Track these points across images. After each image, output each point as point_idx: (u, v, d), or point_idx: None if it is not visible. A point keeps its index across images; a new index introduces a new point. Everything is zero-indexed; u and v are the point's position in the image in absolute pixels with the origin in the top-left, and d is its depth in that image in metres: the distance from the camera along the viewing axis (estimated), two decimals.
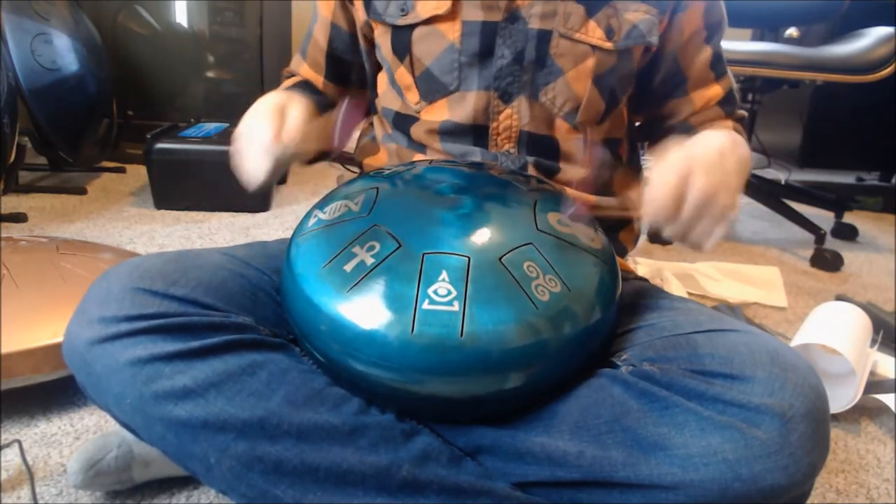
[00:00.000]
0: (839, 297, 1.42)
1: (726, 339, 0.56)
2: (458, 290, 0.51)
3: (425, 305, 0.50)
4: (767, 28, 2.41)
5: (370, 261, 0.53)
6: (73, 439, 0.82)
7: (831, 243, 1.86)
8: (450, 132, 0.73)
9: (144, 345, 0.53)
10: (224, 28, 2.24)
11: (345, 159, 2.00)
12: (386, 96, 0.79)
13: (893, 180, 2.72)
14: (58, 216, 1.67)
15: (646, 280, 0.77)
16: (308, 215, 0.61)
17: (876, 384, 1.02)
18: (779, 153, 2.73)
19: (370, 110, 0.84)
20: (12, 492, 0.72)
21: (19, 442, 0.78)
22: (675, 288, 1.38)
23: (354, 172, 0.89)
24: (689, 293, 1.42)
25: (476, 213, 0.57)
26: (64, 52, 1.78)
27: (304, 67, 0.86)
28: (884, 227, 2.23)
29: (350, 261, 0.53)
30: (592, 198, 0.74)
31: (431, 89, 0.73)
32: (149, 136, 1.77)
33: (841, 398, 0.96)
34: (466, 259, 0.53)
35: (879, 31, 1.74)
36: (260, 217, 1.79)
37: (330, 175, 2.24)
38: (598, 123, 0.74)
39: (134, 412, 0.54)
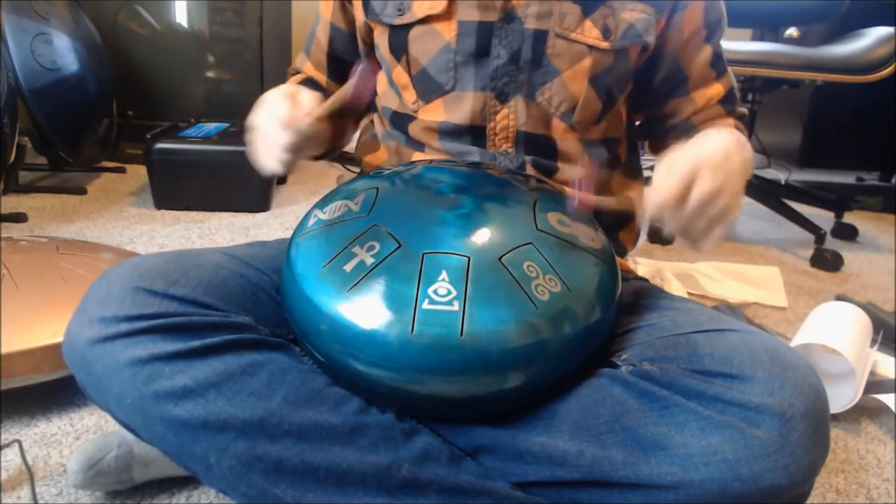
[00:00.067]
0: (839, 297, 1.42)
1: (726, 338, 0.56)
2: (457, 289, 0.51)
3: (425, 305, 0.50)
4: (767, 28, 2.41)
5: (370, 261, 0.53)
6: (73, 439, 0.82)
7: (831, 243, 1.86)
8: (448, 132, 0.73)
9: (144, 344, 0.53)
10: (224, 28, 2.24)
11: (345, 159, 2.01)
12: (385, 95, 0.79)
13: (893, 180, 2.72)
14: (58, 216, 1.67)
15: (646, 280, 0.77)
16: (308, 215, 0.61)
17: (876, 384, 1.02)
18: (779, 153, 2.73)
19: (371, 108, 0.85)
20: (12, 492, 0.72)
21: (19, 442, 0.78)
22: (675, 288, 1.38)
23: (354, 172, 0.89)
24: (689, 293, 1.42)
25: (476, 212, 0.57)
26: (64, 52, 1.78)
27: (308, 66, 0.87)
28: (884, 227, 2.23)
29: (350, 261, 0.53)
30: (591, 197, 0.74)
31: (428, 89, 0.73)
32: (149, 136, 1.77)
33: (841, 398, 0.96)
34: (466, 259, 0.53)
35: (879, 31, 1.74)
36: (260, 217, 1.79)
37: (330, 175, 2.24)
38: (596, 123, 0.74)
39: (134, 412, 0.54)
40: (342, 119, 0.82)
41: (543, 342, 0.52)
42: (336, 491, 0.51)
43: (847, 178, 2.77)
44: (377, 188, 0.61)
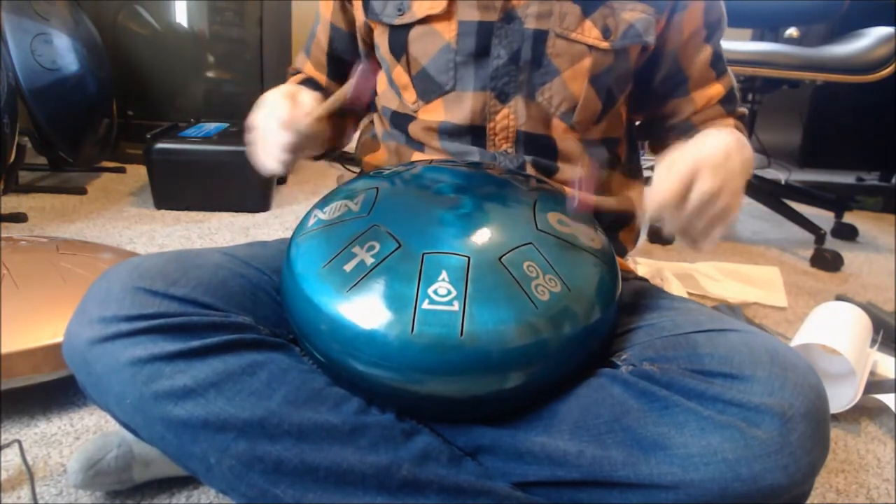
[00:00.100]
0: (839, 297, 1.42)
1: (726, 338, 0.56)
2: (457, 289, 0.51)
3: (425, 305, 0.50)
4: (767, 28, 2.41)
5: (370, 261, 0.53)
6: (73, 439, 0.82)
7: (831, 243, 1.86)
8: (448, 132, 0.73)
9: (144, 344, 0.53)
10: (224, 28, 2.24)
11: (345, 159, 2.01)
12: (385, 95, 0.79)
13: (893, 180, 2.72)
14: (58, 216, 1.67)
15: (646, 280, 0.77)
16: (308, 215, 0.61)
17: (876, 384, 1.02)
18: (779, 153, 2.73)
19: (371, 108, 0.85)
20: (12, 492, 0.72)
21: (19, 442, 0.78)
22: (675, 288, 1.38)
23: (354, 172, 0.89)
24: (689, 293, 1.42)
25: (476, 212, 0.57)
26: (64, 52, 1.78)
27: (308, 66, 0.87)
28: (884, 227, 2.23)
29: (350, 261, 0.53)
30: (591, 197, 0.74)
31: (428, 89, 0.73)
32: (149, 136, 1.77)
33: (841, 398, 0.96)
34: (466, 259, 0.53)
35: (879, 31, 1.74)
36: (260, 217, 1.79)
37: (330, 175, 2.24)
38: (596, 123, 0.74)
39: (134, 412, 0.54)
40: (342, 119, 0.82)
41: (543, 342, 0.52)
42: (336, 491, 0.51)
43: (847, 178, 2.77)
44: (377, 188, 0.61)
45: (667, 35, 0.74)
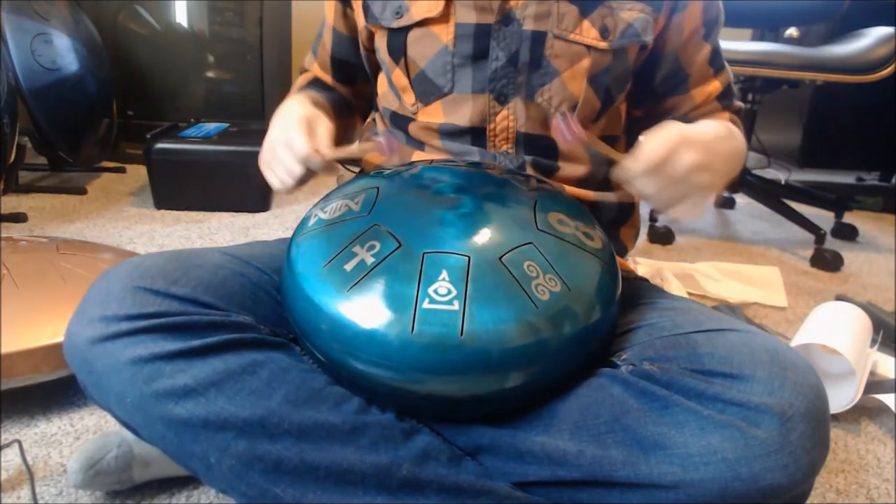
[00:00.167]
0: (839, 297, 1.42)
1: (726, 338, 0.56)
2: (458, 289, 0.51)
3: (425, 305, 0.50)
4: (767, 28, 2.41)
5: (370, 260, 0.53)
6: (73, 439, 0.82)
7: (831, 243, 1.86)
8: (448, 133, 0.73)
9: (145, 344, 0.53)
10: (224, 28, 2.24)
11: (345, 159, 2.00)
12: (385, 97, 0.79)
13: (893, 180, 2.72)
14: (58, 216, 1.67)
15: (646, 280, 0.78)
16: (308, 215, 0.61)
17: (876, 384, 1.02)
18: (779, 153, 2.73)
19: (372, 106, 0.85)
20: (12, 492, 0.72)
21: (19, 442, 0.78)
22: (675, 288, 1.38)
23: (354, 172, 0.89)
24: (689, 293, 1.42)
25: (476, 212, 0.57)
26: (64, 52, 1.78)
27: (315, 67, 0.88)
28: (884, 227, 2.23)
29: (350, 260, 0.53)
30: (591, 194, 0.74)
31: (426, 91, 0.73)
32: (149, 136, 1.77)
33: (841, 398, 0.96)
34: (466, 258, 0.53)
35: (879, 31, 1.74)
36: (260, 217, 1.79)
37: (330, 175, 2.24)
38: (595, 121, 0.74)
39: (135, 411, 0.54)
40: (349, 118, 0.83)
41: (543, 342, 0.52)
42: (336, 490, 0.51)
43: (847, 178, 2.77)
44: (378, 188, 0.61)
45: (667, 35, 0.74)
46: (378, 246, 0.54)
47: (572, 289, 0.53)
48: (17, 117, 1.59)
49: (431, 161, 0.69)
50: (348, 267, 0.53)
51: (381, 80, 0.80)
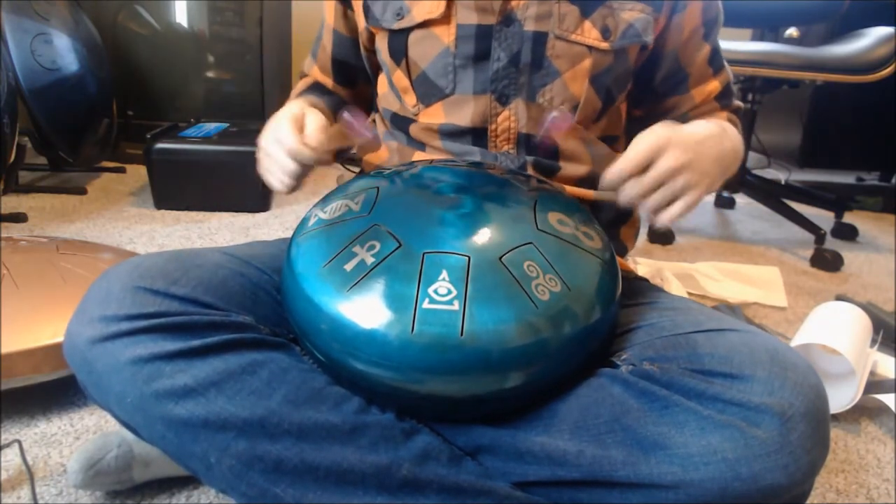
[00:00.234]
0: (839, 297, 1.42)
1: (726, 338, 0.56)
2: (458, 289, 0.51)
3: (425, 305, 0.50)
4: (767, 28, 2.41)
5: (370, 260, 0.53)
6: (73, 439, 0.82)
7: (831, 243, 1.86)
8: (448, 133, 0.73)
9: (145, 344, 0.53)
10: (224, 28, 2.24)
11: (345, 159, 2.01)
12: (385, 98, 0.79)
13: (893, 180, 2.72)
14: (58, 216, 1.67)
15: (646, 280, 0.78)
16: (308, 215, 0.61)
17: (876, 384, 1.02)
18: (779, 153, 2.73)
19: (372, 108, 0.85)
20: (12, 492, 0.72)
21: (19, 442, 0.78)
22: (675, 288, 1.38)
23: (354, 172, 0.89)
24: (689, 293, 1.42)
25: (476, 212, 0.57)
26: (64, 52, 1.78)
27: (315, 70, 0.88)
28: (884, 227, 2.23)
29: (350, 260, 0.53)
30: (591, 194, 0.74)
31: (428, 92, 0.73)
32: (149, 136, 1.77)
33: (841, 398, 0.96)
34: (466, 258, 0.53)
35: (879, 31, 1.74)
36: (260, 217, 1.79)
37: (330, 175, 2.24)
38: (595, 121, 0.74)
39: (135, 411, 0.54)
40: None
41: (543, 342, 0.52)
42: (336, 490, 0.51)
43: (847, 178, 2.77)
44: (378, 188, 0.61)
45: (667, 35, 0.74)
46: (378, 246, 0.54)
47: (572, 289, 0.53)
48: (17, 117, 1.59)
49: (432, 161, 0.69)
50: (348, 267, 0.53)
51: (382, 81, 0.80)
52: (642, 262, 1.54)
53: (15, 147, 1.59)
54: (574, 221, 0.59)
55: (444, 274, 0.52)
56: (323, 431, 0.52)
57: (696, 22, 0.75)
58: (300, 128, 0.65)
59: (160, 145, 1.74)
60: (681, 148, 0.59)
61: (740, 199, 2.31)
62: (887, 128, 2.54)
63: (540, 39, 0.69)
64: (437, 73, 0.71)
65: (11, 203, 1.71)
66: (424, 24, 0.71)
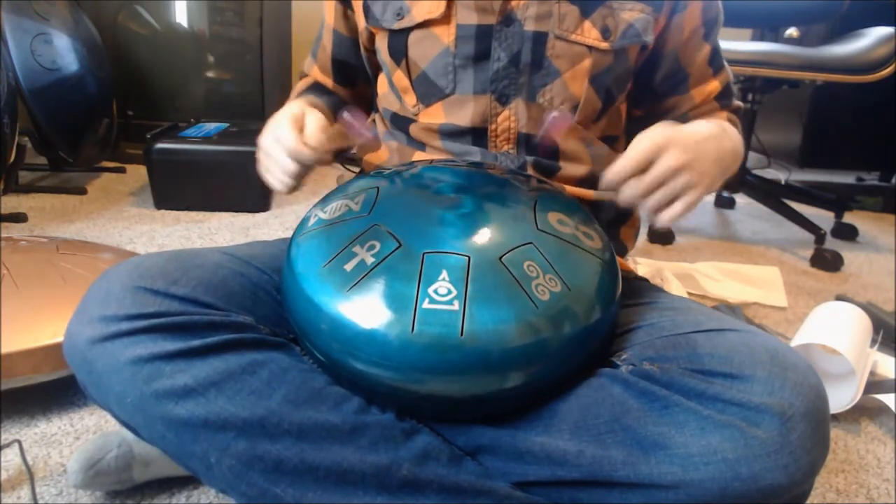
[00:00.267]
0: (839, 297, 1.42)
1: (726, 338, 0.56)
2: (458, 289, 0.51)
3: (425, 305, 0.50)
4: (767, 28, 2.41)
5: (370, 260, 0.53)
6: (73, 439, 0.82)
7: (831, 243, 1.86)
8: (448, 133, 0.73)
9: (145, 344, 0.53)
10: (224, 28, 2.24)
11: (345, 159, 2.01)
12: (385, 98, 0.79)
13: (893, 180, 2.72)
14: (58, 216, 1.67)
15: (646, 280, 0.78)
16: (308, 215, 0.61)
17: (876, 384, 1.02)
18: (779, 153, 2.73)
19: (372, 108, 0.85)
20: (12, 492, 0.72)
21: (19, 442, 0.78)
22: (675, 288, 1.38)
23: (354, 172, 0.89)
24: (689, 293, 1.42)
25: (476, 212, 0.57)
26: (64, 52, 1.78)
27: (315, 70, 0.88)
28: (884, 227, 2.23)
29: (350, 260, 0.53)
30: (591, 193, 0.74)
31: (428, 92, 0.73)
32: (149, 136, 1.77)
33: (841, 398, 0.96)
34: (467, 258, 0.53)
35: (879, 31, 1.74)
36: (260, 217, 1.79)
37: (330, 175, 2.24)
38: (595, 121, 0.75)
39: (135, 411, 0.54)
40: None
41: (543, 342, 0.52)
42: (336, 490, 0.51)
43: (847, 178, 2.77)
44: (378, 188, 0.61)
45: (667, 35, 0.74)
46: (378, 246, 0.54)
47: (572, 289, 0.53)
48: (17, 117, 1.59)
49: (431, 161, 0.69)
50: (348, 267, 0.53)
51: (382, 81, 0.80)
52: (642, 262, 1.54)
53: (15, 147, 1.59)
54: (574, 221, 0.59)
55: (444, 274, 0.52)
56: (323, 431, 0.52)
57: (696, 22, 0.75)
58: (300, 128, 0.65)
59: (160, 145, 1.74)
60: (681, 148, 0.59)
61: (740, 199, 2.31)
62: (887, 128, 2.54)
63: (540, 39, 0.69)
64: (438, 73, 0.71)
65: (11, 203, 1.71)
66: (424, 24, 0.71)
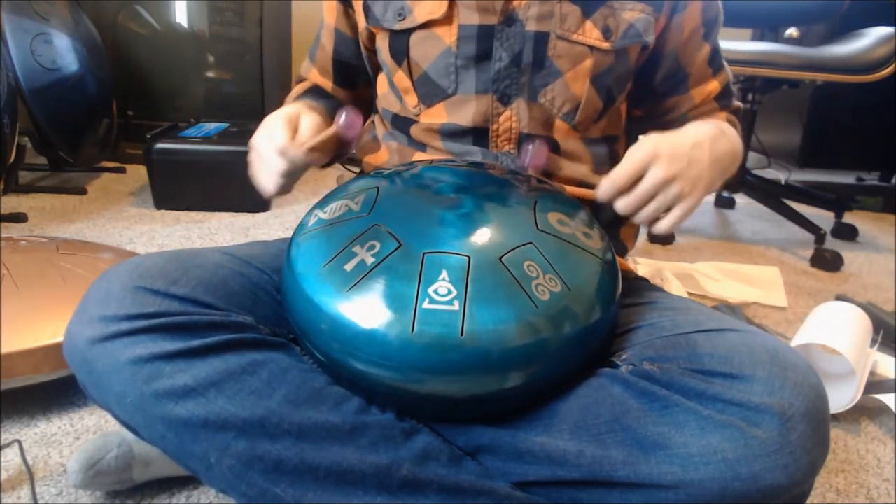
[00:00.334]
0: (839, 297, 1.42)
1: (726, 338, 0.56)
2: (458, 289, 0.51)
3: (425, 305, 0.50)
4: (767, 28, 2.41)
5: (370, 260, 0.53)
6: (73, 439, 0.82)
7: (831, 243, 1.86)
8: (449, 133, 0.73)
9: (145, 344, 0.53)
10: (224, 28, 2.24)
11: (345, 159, 2.01)
12: (386, 98, 0.79)
13: (893, 180, 2.72)
14: (58, 216, 1.67)
15: (646, 280, 0.78)
16: (308, 215, 0.61)
17: (876, 384, 1.02)
18: (779, 153, 2.73)
19: (371, 110, 0.85)
20: (12, 492, 0.72)
21: (19, 442, 0.78)
22: (675, 288, 1.38)
23: (354, 172, 0.89)
24: (689, 293, 1.42)
25: (476, 212, 0.57)
26: (64, 52, 1.78)
27: (314, 73, 0.87)
28: (884, 227, 2.23)
29: (350, 260, 0.53)
30: (591, 193, 0.74)
31: (429, 93, 0.73)
32: (149, 136, 1.77)
33: (841, 398, 0.96)
34: (467, 258, 0.53)
35: (879, 31, 1.74)
36: (260, 217, 1.79)
37: (330, 175, 2.24)
38: (596, 122, 0.75)
39: (135, 411, 0.54)
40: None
41: (543, 342, 0.52)
42: (336, 490, 0.51)
43: (847, 178, 2.77)
44: (378, 188, 0.61)
45: (667, 35, 0.74)
46: (378, 246, 0.54)
47: (572, 289, 0.53)
48: (17, 117, 1.59)
49: (432, 161, 0.69)
50: (348, 267, 0.53)
51: (382, 82, 0.80)
52: (642, 262, 1.54)
53: (15, 147, 1.59)
54: (574, 221, 0.59)
55: (444, 274, 0.52)
56: (323, 431, 0.52)
57: (696, 22, 0.75)
58: (294, 128, 0.65)
59: (160, 145, 1.74)
60: (669, 158, 0.60)
61: (740, 199, 2.31)
62: (887, 128, 2.54)
63: (541, 39, 0.69)
64: (439, 74, 0.71)
65: (11, 203, 1.71)
66: (426, 25, 0.71)
